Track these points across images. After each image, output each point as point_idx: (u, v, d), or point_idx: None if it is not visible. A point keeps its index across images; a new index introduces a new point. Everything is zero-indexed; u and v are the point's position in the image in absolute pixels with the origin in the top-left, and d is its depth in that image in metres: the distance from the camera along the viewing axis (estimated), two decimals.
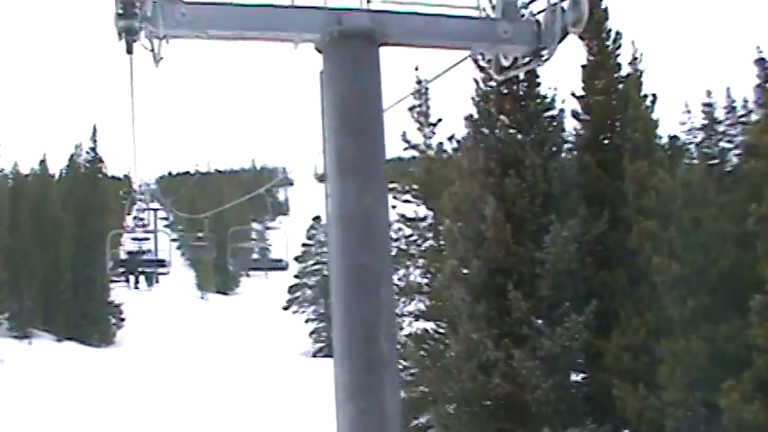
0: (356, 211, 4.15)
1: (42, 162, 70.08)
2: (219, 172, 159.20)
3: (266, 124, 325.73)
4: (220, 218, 79.41)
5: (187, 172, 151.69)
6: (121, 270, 22.65)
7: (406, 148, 24.62)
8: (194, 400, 43.23)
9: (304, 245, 70.34)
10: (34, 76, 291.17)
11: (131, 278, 23.21)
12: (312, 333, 66.90)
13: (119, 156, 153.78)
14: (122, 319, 64.92)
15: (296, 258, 70.55)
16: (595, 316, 18.28)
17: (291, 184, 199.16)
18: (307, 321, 67.80)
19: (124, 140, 69.64)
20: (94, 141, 68.81)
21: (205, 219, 26.01)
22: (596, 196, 19.96)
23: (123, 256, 26.11)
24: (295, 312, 68.88)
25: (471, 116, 20.32)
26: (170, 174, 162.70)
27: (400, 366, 21.85)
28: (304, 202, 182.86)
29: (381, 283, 4.18)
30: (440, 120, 24.42)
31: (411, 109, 24.06)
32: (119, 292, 59.84)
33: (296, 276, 70.33)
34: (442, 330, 23.06)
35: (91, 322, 61.74)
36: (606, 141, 21.12)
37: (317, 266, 68.87)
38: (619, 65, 20.98)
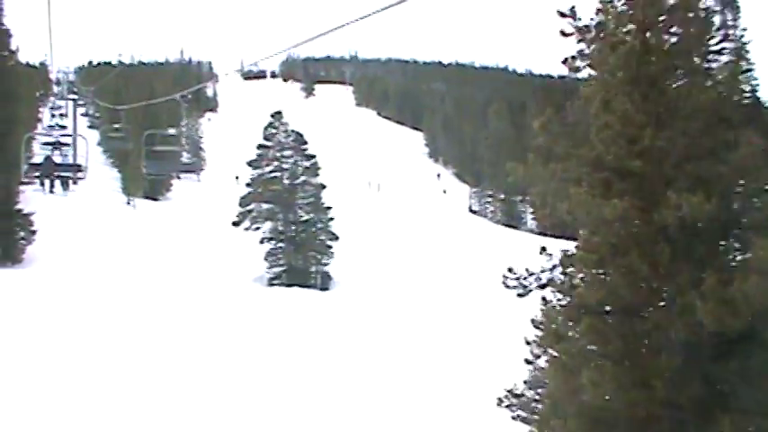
0: None
1: None
2: (143, 64, 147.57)
3: (193, 14, 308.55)
4: (149, 113, 67.91)
5: (109, 62, 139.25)
6: (35, 174, 21.40)
7: (565, 34, 13.83)
8: (121, 332, 34.45)
9: (260, 146, 58.66)
10: None
11: (47, 182, 21.32)
12: (269, 256, 56.05)
13: (34, 42, 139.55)
14: (33, 232, 52.23)
15: (249, 163, 59.26)
16: None
17: (217, 80, 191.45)
18: (261, 241, 56.81)
19: (39, 24, 56.69)
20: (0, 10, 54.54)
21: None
22: None
23: (38, 153, 25.88)
24: (247, 229, 57.55)
25: None
26: (90, 63, 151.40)
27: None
28: (232, 97, 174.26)
29: None
30: None
31: None
32: (30, 198, 48.36)
33: (248, 185, 58.83)
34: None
35: None
36: None
37: (276, 173, 57.32)
38: None
